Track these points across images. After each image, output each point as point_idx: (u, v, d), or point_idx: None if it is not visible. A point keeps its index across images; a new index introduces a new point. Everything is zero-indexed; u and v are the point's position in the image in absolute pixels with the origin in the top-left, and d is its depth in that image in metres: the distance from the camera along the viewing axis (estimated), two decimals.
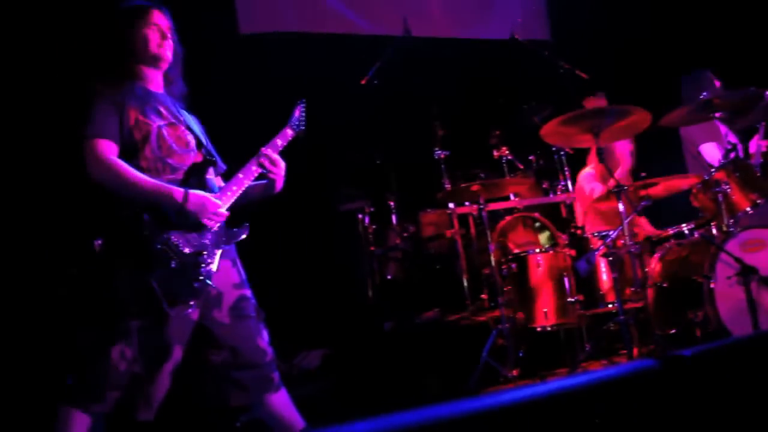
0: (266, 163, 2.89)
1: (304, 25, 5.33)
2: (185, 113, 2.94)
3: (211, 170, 2.89)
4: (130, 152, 2.67)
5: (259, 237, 5.32)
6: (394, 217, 5.37)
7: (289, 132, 3.03)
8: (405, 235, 5.30)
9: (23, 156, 4.11)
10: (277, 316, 5.24)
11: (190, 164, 2.78)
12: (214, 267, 2.69)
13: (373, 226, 5.39)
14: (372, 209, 5.40)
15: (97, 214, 2.76)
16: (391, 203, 5.36)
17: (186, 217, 2.63)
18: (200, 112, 2.97)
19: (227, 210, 2.77)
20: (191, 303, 2.60)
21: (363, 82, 4.87)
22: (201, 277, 2.62)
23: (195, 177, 2.77)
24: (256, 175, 2.92)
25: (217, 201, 2.71)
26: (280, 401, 2.90)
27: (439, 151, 5.11)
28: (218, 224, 2.72)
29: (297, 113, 3.10)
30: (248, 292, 2.89)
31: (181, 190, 2.64)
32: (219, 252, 2.73)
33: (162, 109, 2.80)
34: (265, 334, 2.88)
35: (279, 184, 2.98)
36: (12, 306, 3.85)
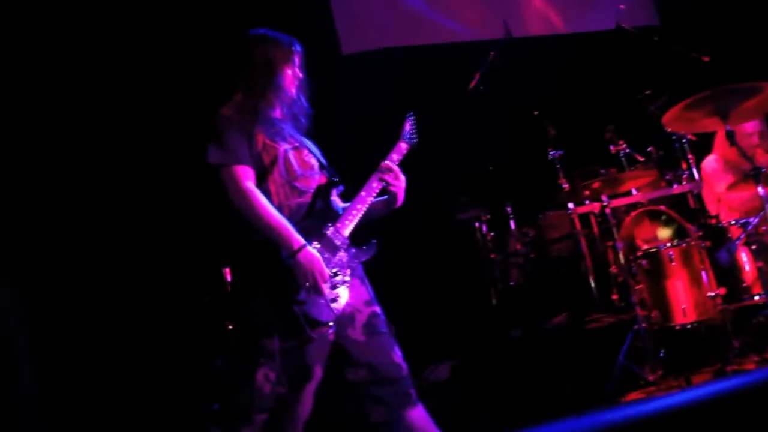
0: (388, 177, 2.90)
1: (405, 39, 5.34)
2: (303, 138, 2.99)
3: (334, 192, 2.93)
4: (260, 176, 2.75)
5: (378, 252, 5.41)
6: (512, 223, 5.26)
7: (403, 146, 3.03)
8: (525, 239, 5.18)
9: (153, 181, 4.28)
10: (403, 330, 5.29)
11: (315, 187, 2.83)
12: (348, 287, 2.73)
13: (492, 233, 5.30)
14: (489, 216, 5.32)
15: (227, 241, 2.84)
16: (508, 208, 5.25)
17: (290, 272, 2.62)
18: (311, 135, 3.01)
19: (353, 230, 2.80)
20: (331, 324, 2.64)
21: (471, 86, 4.82)
22: (337, 299, 2.67)
23: (321, 199, 2.83)
24: (377, 191, 2.94)
25: (324, 269, 2.66)
26: (420, 416, 2.88)
27: (553, 152, 4.98)
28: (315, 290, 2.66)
29: (408, 126, 3.10)
30: (378, 309, 2.90)
31: (301, 241, 2.65)
32: (350, 271, 2.77)
33: (286, 134, 2.86)
34: (397, 349, 2.88)
35: (400, 198, 2.98)
36: (153, 334, 4.01)
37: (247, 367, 2.63)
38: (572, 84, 5.60)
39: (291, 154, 2.80)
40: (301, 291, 2.60)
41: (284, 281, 2.60)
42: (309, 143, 2.99)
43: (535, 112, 5.01)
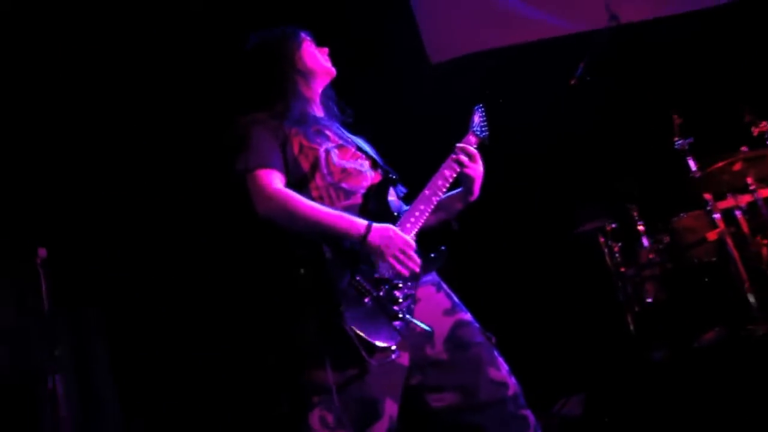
0: (463, 159, 2.41)
1: (497, 40, 4.87)
2: (352, 135, 2.56)
3: (392, 191, 2.45)
4: (300, 183, 2.32)
5: (493, 276, 4.86)
6: (641, 230, 4.55)
7: (472, 138, 2.55)
8: (659, 248, 4.44)
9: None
10: (525, 362, 4.66)
11: (367, 187, 2.36)
12: (413, 300, 2.22)
13: (618, 244, 4.61)
14: (614, 225, 4.64)
15: (268, 258, 2.43)
16: (635, 213, 4.56)
17: (369, 254, 2.18)
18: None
19: (416, 235, 2.29)
20: (393, 347, 2.11)
21: (573, 80, 4.25)
22: (400, 315, 2.15)
23: (375, 200, 2.35)
24: (447, 185, 2.44)
25: (410, 240, 2.21)
26: None
27: (680, 141, 4.28)
28: (409, 267, 2.20)
29: (476, 119, 2.63)
30: (466, 316, 2.36)
31: (364, 222, 2.19)
32: (416, 282, 2.25)
33: (327, 132, 2.44)
34: (501, 363, 2.32)
35: (477, 185, 2.49)
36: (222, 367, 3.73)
37: (300, 408, 2.14)
38: (694, 65, 4.86)
39: (334, 153, 2.37)
40: (353, 310, 2.09)
41: (333, 301, 2.10)
42: (358, 139, 2.55)
43: (656, 97, 4.34)
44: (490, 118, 2.78)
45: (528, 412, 2.29)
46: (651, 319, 4.46)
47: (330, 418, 2.09)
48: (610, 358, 4.38)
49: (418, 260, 2.21)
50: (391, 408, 2.16)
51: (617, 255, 4.57)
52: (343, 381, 2.10)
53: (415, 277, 2.23)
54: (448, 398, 2.24)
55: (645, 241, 4.48)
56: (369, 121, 4.37)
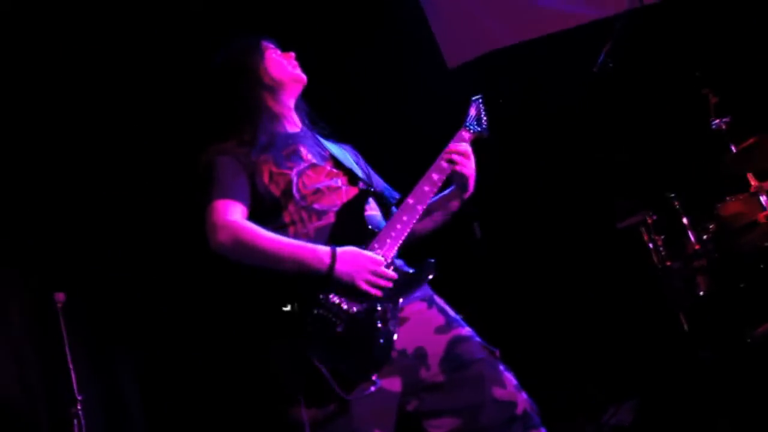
0: (456, 158, 2.24)
1: (515, 35, 4.65)
2: (333, 145, 2.41)
3: (372, 203, 2.28)
4: (272, 211, 2.19)
5: (534, 279, 4.62)
6: (684, 220, 4.24)
7: (466, 134, 2.36)
8: (705, 237, 4.12)
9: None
10: (570, 369, 4.41)
11: (342, 204, 2.21)
12: (396, 322, 2.03)
13: (662, 237, 4.30)
14: (655, 217, 4.34)
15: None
16: (676, 203, 4.25)
17: (338, 285, 2.02)
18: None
19: (398, 249, 2.13)
20: (373, 378, 1.94)
21: (597, 64, 4.00)
22: (381, 340, 1.97)
23: (349, 217, 2.18)
24: (436, 189, 2.27)
25: (377, 257, 2.06)
26: None
27: (717, 121, 3.97)
28: (384, 287, 2.04)
29: (472, 112, 2.44)
30: (463, 331, 2.17)
31: (327, 249, 2.04)
32: (400, 301, 2.07)
33: (302, 150, 2.29)
34: (507, 379, 2.12)
35: (471, 184, 2.31)
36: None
37: None
38: (725, 41, 4.52)
39: (307, 175, 2.22)
40: (324, 340, 1.93)
41: (301, 330, 1.95)
42: (339, 150, 2.40)
43: (695, 74, 4.02)
44: (498, 107, 2.63)
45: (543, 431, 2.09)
46: (704, 314, 4.15)
47: None
48: (663, 360, 4.09)
49: (393, 275, 2.05)
50: None
51: (661, 249, 4.27)
52: (322, 417, 1.94)
53: (392, 297, 2.05)
54: (448, 424, 2.06)
55: (689, 231, 4.17)
56: (384, 128, 4.30)
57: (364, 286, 2.01)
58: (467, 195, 2.33)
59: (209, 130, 2.33)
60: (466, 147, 2.30)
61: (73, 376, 3.45)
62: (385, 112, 4.47)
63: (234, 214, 2.12)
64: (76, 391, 3.44)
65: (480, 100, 2.50)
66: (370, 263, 2.03)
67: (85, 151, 3.99)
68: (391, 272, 2.06)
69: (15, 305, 3.63)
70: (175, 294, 4.05)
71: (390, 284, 2.04)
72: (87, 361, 3.79)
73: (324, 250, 2.04)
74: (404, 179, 2.45)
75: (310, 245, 2.06)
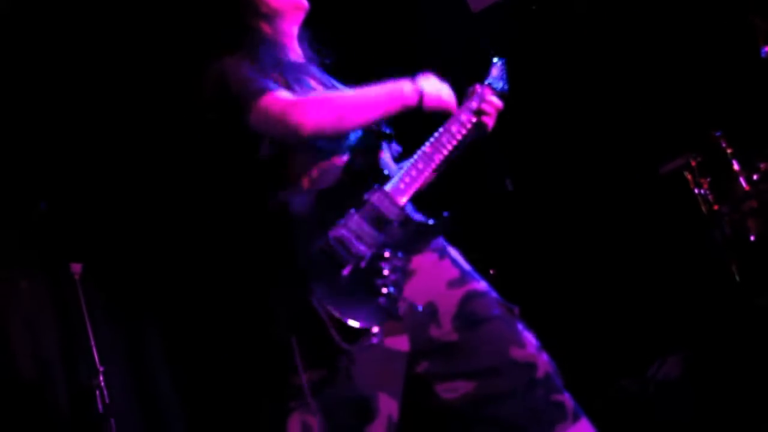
0: (488, 108, 2.10)
1: None
2: (338, 83, 2.17)
3: (385, 147, 2.04)
4: (273, 144, 1.91)
5: (576, 231, 4.33)
6: (732, 159, 3.87)
7: (487, 90, 2.15)
8: (755, 177, 3.76)
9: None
10: (613, 323, 4.12)
11: (351, 144, 1.96)
12: (404, 273, 1.78)
13: (708, 180, 3.95)
14: (700, 159, 3.98)
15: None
16: (722, 142, 3.88)
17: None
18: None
19: (411, 199, 1.90)
20: (374, 330, 1.69)
21: None
22: (386, 290, 1.73)
23: (363, 156, 1.92)
24: (455, 142, 2.04)
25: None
26: None
27: (767, 48, 3.58)
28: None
29: (494, 73, 2.26)
30: (479, 285, 1.92)
31: (408, 83, 1.96)
32: (411, 252, 1.83)
33: (310, 80, 2.04)
34: (527, 338, 1.87)
35: (491, 125, 2.13)
36: None
37: (276, 415, 1.76)
38: None
39: None
40: (326, 281, 1.69)
41: (302, 267, 1.70)
42: (345, 89, 2.16)
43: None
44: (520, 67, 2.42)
45: (564, 397, 1.83)
46: (758, 260, 3.81)
47: (313, 422, 1.71)
48: (713, 310, 3.77)
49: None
50: (387, 405, 1.76)
51: (708, 192, 3.92)
52: (321, 378, 1.72)
53: (402, 246, 1.81)
54: (462, 387, 1.83)
55: (738, 171, 3.81)
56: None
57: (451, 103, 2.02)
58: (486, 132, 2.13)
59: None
60: (498, 102, 2.12)
61: (93, 347, 3.33)
62: (407, 58, 4.19)
63: (289, 97, 1.86)
64: (97, 363, 3.32)
65: (503, 63, 2.30)
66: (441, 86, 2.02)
67: (98, 117, 3.83)
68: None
69: (30, 278, 3.51)
70: (194, 259, 3.89)
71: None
72: (109, 332, 3.68)
73: (406, 88, 1.95)
74: (422, 129, 2.25)
75: (389, 87, 1.94)
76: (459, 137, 2.04)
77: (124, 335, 3.79)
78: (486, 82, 2.18)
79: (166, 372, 3.88)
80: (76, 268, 3.38)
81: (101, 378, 3.27)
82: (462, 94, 2.23)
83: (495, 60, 2.30)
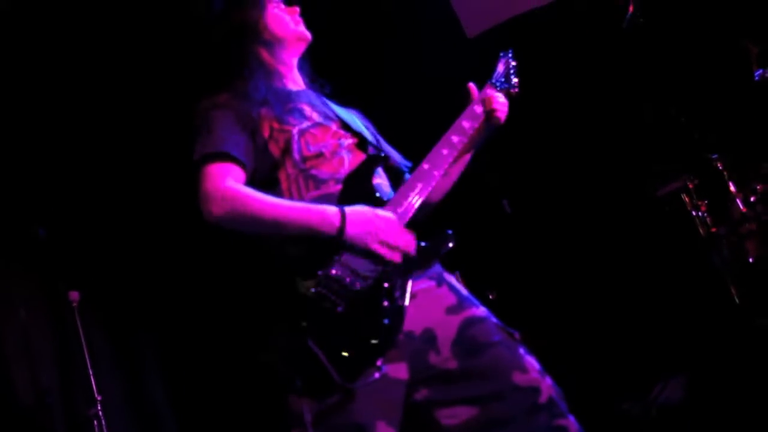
0: (494, 104, 2.09)
1: (532, 1, 4.33)
2: (341, 108, 2.16)
3: (380, 172, 2.02)
4: (270, 173, 1.93)
5: (574, 254, 4.31)
6: (729, 182, 3.86)
7: (490, 91, 2.14)
8: (752, 199, 3.74)
9: None
10: (614, 346, 4.08)
11: (347, 172, 1.94)
12: (405, 300, 1.76)
13: (705, 202, 3.94)
14: (696, 181, 3.98)
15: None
16: (719, 165, 3.87)
17: (350, 248, 1.77)
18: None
19: (414, 217, 1.87)
20: (378, 363, 1.68)
21: (627, 16, 3.65)
22: (386, 321, 1.71)
23: (356, 185, 1.91)
24: (455, 154, 2.02)
25: (389, 215, 1.82)
26: None
27: (760, 71, 3.59)
28: (402, 253, 1.81)
29: (500, 68, 2.23)
30: (478, 311, 1.90)
31: (335, 209, 1.79)
32: (410, 280, 1.80)
33: (305, 108, 2.03)
34: (529, 363, 1.84)
35: (503, 119, 2.13)
36: None
37: None
38: None
39: (310, 134, 1.96)
40: (322, 322, 1.68)
41: (297, 311, 1.70)
42: (347, 113, 2.15)
43: (732, 24, 3.65)
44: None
45: (568, 421, 1.80)
46: (757, 281, 3.79)
47: None
48: (713, 333, 3.74)
49: (411, 238, 1.81)
50: None
51: (705, 215, 3.91)
52: (322, 408, 1.69)
53: (401, 273, 1.80)
54: (463, 414, 1.79)
55: (735, 193, 3.80)
56: (402, 101, 4.03)
57: (381, 250, 1.77)
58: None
59: (201, 87, 2.08)
60: (503, 100, 2.12)
61: (91, 376, 3.29)
62: (403, 84, 4.20)
63: (228, 179, 1.85)
64: (95, 392, 3.28)
65: (510, 55, 2.27)
66: (385, 223, 1.79)
67: (96, 145, 3.83)
68: (409, 234, 1.81)
69: (27, 307, 3.47)
70: (191, 285, 3.87)
71: (410, 249, 1.80)
72: (107, 360, 3.64)
73: (332, 210, 1.79)
74: (420, 152, 2.24)
75: (316, 206, 1.81)
76: (460, 147, 2.02)
77: (122, 362, 3.75)
78: (490, 81, 2.17)
79: (166, 400, 3.83)
80: (74, 296, 3.35)
81: (99, 407, 3.23)
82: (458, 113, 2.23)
83: (501, 54, 2.28)
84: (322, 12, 2.44)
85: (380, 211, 1.83)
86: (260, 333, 1.82)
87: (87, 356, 3.28)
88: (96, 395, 3.24)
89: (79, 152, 3.82)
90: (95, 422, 3.19)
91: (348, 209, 1.80)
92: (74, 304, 3.35)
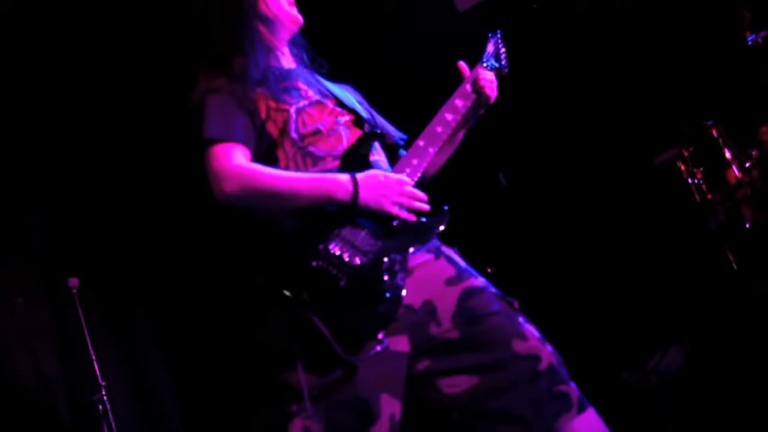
0: (482, 82, 2.09)
1: None
2: (334, 85, 2.15)
3: (377, 147, 2.02)
4: (267, 152, 1.94)
5: (572, 224, 4.30)
6: (725, 149, 3.84)
7: (481, 71, 2.15)
8: (748, 164, 3.72)
9: None
10: (612, 315, 4.08)
11: (344, 148, 1.94)
12: (403, 275, 1.75)
13: (700, 169, 3.92)
14: (692, 148, 3.95)
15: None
16: (714, 131, 3.85)
17: (365, 215, 1.79)
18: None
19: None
20: (379, 336, 1.68)
21: None
22: (387, 295, 1.70)
23: (354, 161, 1.91)
24: (449, 131, 2.03)
25: (403, 177, 1.85)
26: (589, 427, 1.80)
27: (753, 36, 3.55)
28: (415, 206, 1.83)
29: (490, 48, 2.24)
30: (477, 282, 1.90)
31: (346, 176, 1.81)
32: (410, 252, 1.80)
33: (301, 86, 2.02)
34: (528, 331, 1.84)
35: (493, 96, 2.14)
36: None
37: (276, 423, 1.73)
38: None
39: (306, 113, 1.96)
40: (325, 296, 1.68)
41: (299, 286, 1.69)
42: (342, 91, 2.13)
43: None
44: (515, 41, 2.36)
45: (569, 387, 1.80)
46: (754, 247, 3.78)
47: (315, 427, 1.68)
48: (711, 299, 3.73)
49: (424, 195, 1.85)
50: (389, 405, 1.73)
51: (701, 182, 3.89)
52: (323, 384, 1.69)
53: (401, 247, 1.79)
54: (465, 382, 1.79)
55: (730, 160, 3.78)
56: (392, 75, 3.99)
57: (395, 210, 1.80)
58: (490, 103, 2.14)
59: (197, 63, 2.05)
60: (492, 78, 2.13)
61: (95, 362, 3.28)
62: (394, 58, 4.16)
63: (236, 157, 1.86)
64: (99, 378, 3.27)
65: (498, 35, 2.28)
66: (397, 184, 1.82)
67: (93, 129, 3.80)
68: (421, 192, 1.85)
69: (26, 294, 3.46)
70: (189, 268, 3.85)
71: (424, 205, 1.83)
72: (109, 346, 3.63)
73: (344, 177, 1.82)
74: (413, 126, 2.22)
75: (328, 175, 1.84)
76: (454, 125, 2.03)
77: (123, 347, 3.74)
78: (481, 61, 2.18)
79: (168, 383, 3.83)
80: (74, 282, 3.34)
81: (104, 392, 3.22)
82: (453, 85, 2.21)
83: (489, 35, 2.29)
84: None
85: (391, 174, 1.86)
86: (259, 310, 1.80)
87: (89, 342, 3.27)
88: (100, 381, 3.24)
89: (73, 137, 3.78)
90: (100, 407, 3.18)
91: (359, 175, 1.82)
92: (74, 291, 3.33)
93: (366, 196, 1.79)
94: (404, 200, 1.81)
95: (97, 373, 3.28)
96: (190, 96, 2.01)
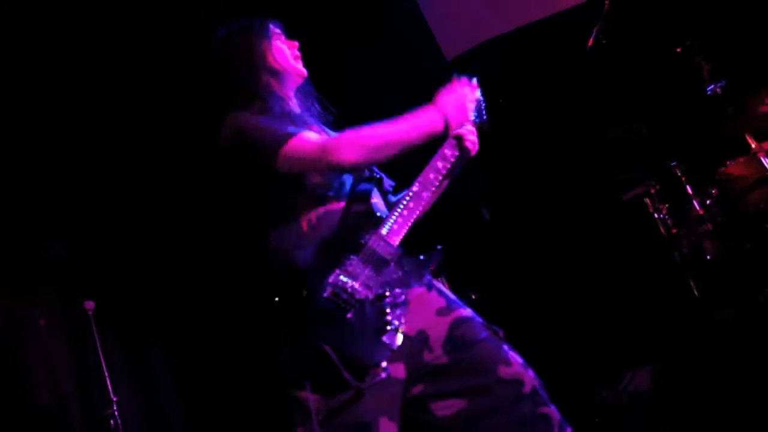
0: (468, 143, 2.12)
1: (509, 23, 4.46)
2: (334, 133, 2.27)
3: (376, 192, 2.10)
4: (291, 184, 1.99)
5: (545, 254, 4.45)
6: (688, 187, 4.03)
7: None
8: (708, 202, 3.90)
9: None
10: (585, 339, 4.22)
11: (347, 189, 2.04)
12: (404, 308, 1.86)
13: (666, 206, 4.09)
14: (658, 186, 4.13)
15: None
16: (678, 171, 4.03)
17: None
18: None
19: (401, 239, 1.94)
20: (383, 365, 1.77)
21: (589, 43, 3.79)
22: (389, 327, 1.80)
23: (358, 202, 1.99)
24: (441, 177, 2.09)
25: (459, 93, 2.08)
26: None
27: (712, 86, 3.74)
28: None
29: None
30: (464, 312, 1.99)
31: (428, 106, 2.01)
32: (407, 289, 1.89)
33: (315, 129, 2.11)
34: (512, 357, 1.93)
35: (474, 151, 2.18)
36: None
37: None
38: (722, 6, 4.29)
39: None
40: (334, 326, 1.76)
41: (310, 316, 1.78)
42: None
43: (678, 49, 3.84)
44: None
45: (550, 409, 1.90)
46: (714, 278, 3.94)
47: None
48: (675, 324, 3.89)
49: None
50: (387, 428, 1.82)
51: (666, 217, 4.06)
52: (329, 408, 1.78)
53: (403, 283, 1.91)
54: (455, 405, 1.89)
55: (692, 197, 3.96)
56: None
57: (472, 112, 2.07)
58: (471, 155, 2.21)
59: (222, 106, 2.13)
60: (473, 132, 2.17)
61: (107, 379, 3.37)
62: (386, 107, 4.31)
63: (321, 135, 1.99)
64: (111, 393, 3.35)
65: (480, 96, 2.32)
66: (462, 95, 2.05)
67: (113, 163, 3.87)
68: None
69: (47, 316, 3.54)
70: (199, 292, 3.94)
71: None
72: (122, 365, 3.71)
73: (430, 111, 2.00)
74: (403, 171, 2.34)
75: (416, 114, 1.99)
76: (444, 171, 2.09)
77: (135, 366, 3.82)
78: None
79: (177, 401, 3.90)
80: (90, 305, 3.43)
81: (115, 407, 3.31)
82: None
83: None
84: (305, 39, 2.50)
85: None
86: (268, 337, 1.91)
87: (103, 361, 3.36)
88: (112, 396, 3.32)
89: (94, 166, 3.84)
90: (111, 421, 3.26)
91: (437, 102, 2.02)
92: (90, 313, 3.43)
93: (452, 117, 2.00)
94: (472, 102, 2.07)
95: (110, 389, 3.36)
96: (219, 134, 2.05)
